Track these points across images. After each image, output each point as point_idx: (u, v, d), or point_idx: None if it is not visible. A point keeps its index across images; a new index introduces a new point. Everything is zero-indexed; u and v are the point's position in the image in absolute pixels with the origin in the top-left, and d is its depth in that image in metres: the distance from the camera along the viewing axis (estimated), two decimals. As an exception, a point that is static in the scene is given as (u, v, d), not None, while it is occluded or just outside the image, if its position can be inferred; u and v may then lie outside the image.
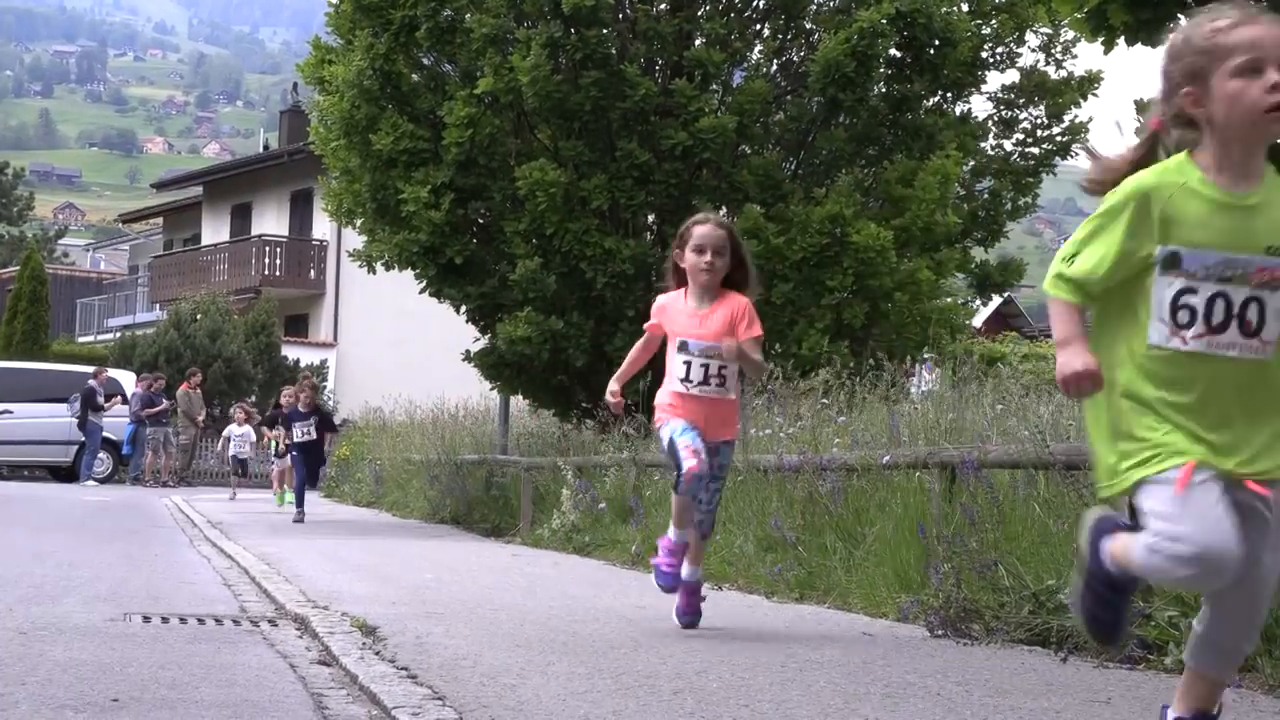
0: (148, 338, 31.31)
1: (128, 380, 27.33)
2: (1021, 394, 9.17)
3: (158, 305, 39.74)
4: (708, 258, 5.76)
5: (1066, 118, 16.42)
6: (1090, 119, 16.46)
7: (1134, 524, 3.08)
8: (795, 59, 14.78)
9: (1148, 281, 3.03)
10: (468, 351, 15.19)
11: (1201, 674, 3.13)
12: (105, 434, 26.08)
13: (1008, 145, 16.65)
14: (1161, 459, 2.96)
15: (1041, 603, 5.47)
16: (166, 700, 3.94)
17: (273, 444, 19.16)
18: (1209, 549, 2.86)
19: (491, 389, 16.12)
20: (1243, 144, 2.99)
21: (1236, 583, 2.94)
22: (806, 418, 9.48)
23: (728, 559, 8.49)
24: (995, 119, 16.50)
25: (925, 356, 14.59)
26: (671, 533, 6.02)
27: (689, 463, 5.64)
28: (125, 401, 26.33)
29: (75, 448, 26.23)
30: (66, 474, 26.55)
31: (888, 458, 7.54)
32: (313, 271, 37.50)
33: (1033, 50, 16.33)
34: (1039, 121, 16.52)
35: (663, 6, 14.28)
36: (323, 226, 35.68)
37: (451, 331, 18.86)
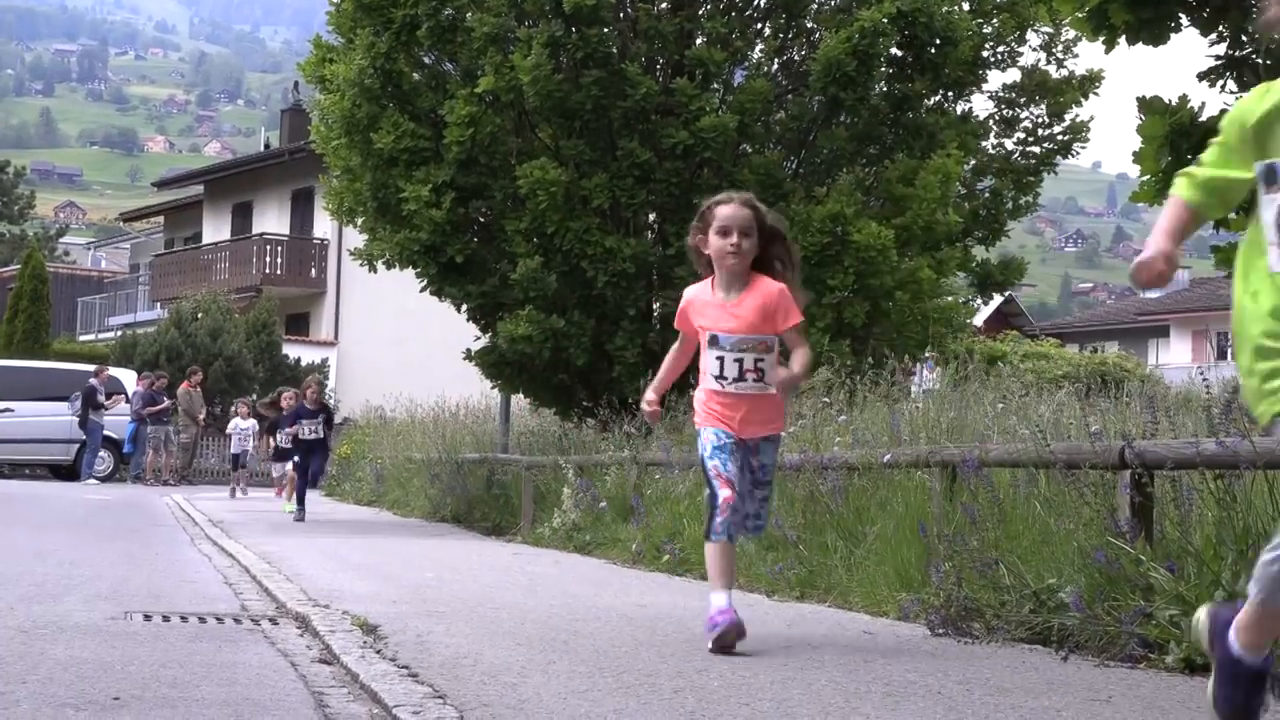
0: (149, 336, 31.32)
1: (129, 379, 27.35)
2: (1022, 393, 9.18)
3: (159, 304, 39.76)
4: (733, 240, 5.23)
5: (1067, 117, 16.44)
6: (1091, 118, 16.47)
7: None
8: (796, 58, 14.78)
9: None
10: (468, 350, 15.19)
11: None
12: (106, 432, 26.09)
13: (1009, 144, 16.67)
14: None
15: (1042, 601, 5.47)
16: (167, 699, 3.94)
17: (274, 448, 19.00)
18: None
19: (492, 388, 16.12)
20: None
21: None
22: (807, 416, 9.49)
23: (728, 558, 8.48)
24: (996, 118, 16.51)
25: (926, 356, 14.59)
26: (715, 604, 5.09)
27: (723, 493, 5.14)
28: (127, 400, 26.35)
29: (76, 446, 26.24)
30: (67, 472, 26.57)
31: (889, 456, 7.54)
32: (314, 270, 37.51)
33: (1034, 49, 16.35)
34: (1040, 120, 16.54)
35: (664, 5, 14.28)
36: (324, 225, 35.69)
37: (452, 330, 18.86)
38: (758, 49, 14.73)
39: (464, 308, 14.88)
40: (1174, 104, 5.24)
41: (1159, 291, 3.11)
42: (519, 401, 17.17)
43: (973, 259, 16.49)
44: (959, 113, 15.35)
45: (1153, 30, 5.29)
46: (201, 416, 27.49)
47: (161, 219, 49.42)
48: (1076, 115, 16.42)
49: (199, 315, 31.23)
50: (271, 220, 39.40)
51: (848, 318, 13.45)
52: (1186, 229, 3.04)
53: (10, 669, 4.33)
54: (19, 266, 37.56)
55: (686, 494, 10.11)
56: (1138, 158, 5.34)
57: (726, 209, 5.27)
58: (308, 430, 15.39)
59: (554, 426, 15.70)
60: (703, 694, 4.14)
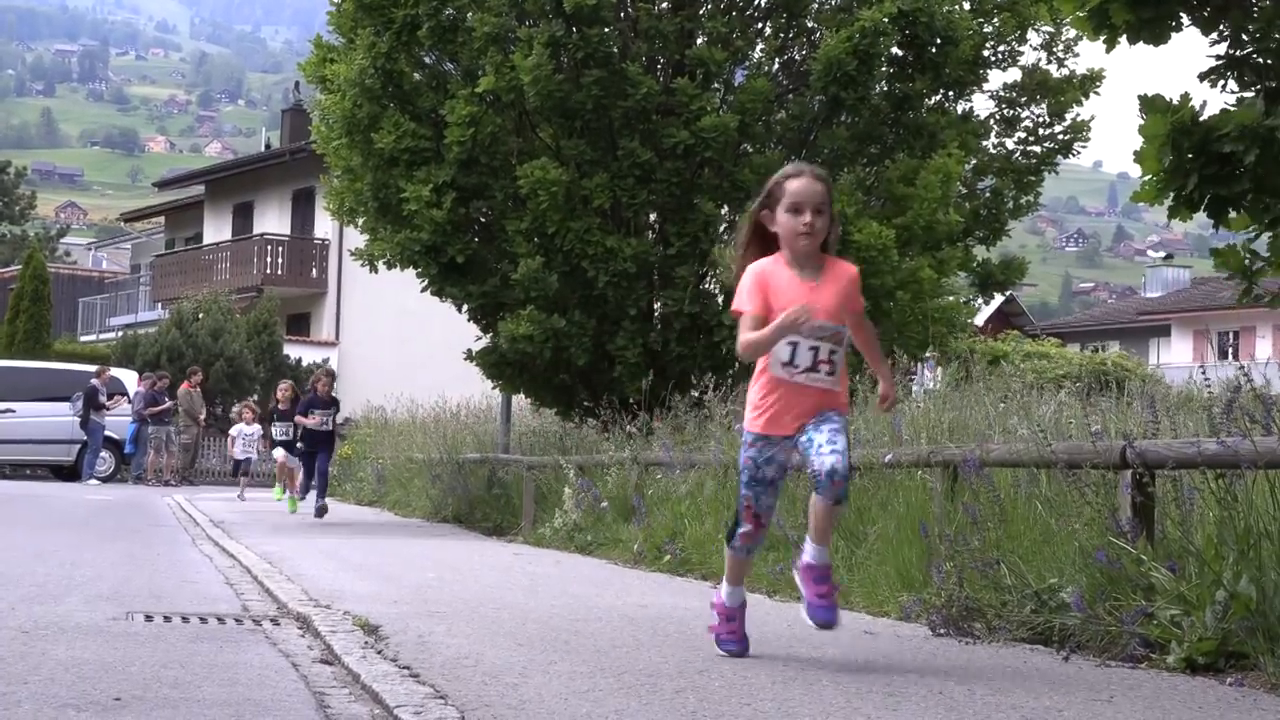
0: (150, 337, 31.34)
1: (130, 379, 27.36)
2: (1024, 393, 9.18)
3: (159, 304, 39.78)
4: (806, 218, 4.76)
5: (1068, 116, 16.41)
6: (1092, 117, 16.46)
7: None
8: (797, 58, 14.77)
9: None
10: (469, 350, 15.19)
11: None
12: (107, 433, 26.09)
13: (1009, 144, 16.64)
14: None
15: (1044, 601, 5.47)
16: (169, 699, 3.94)
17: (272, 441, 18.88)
18: None
19: (493, 388, 16.13)
20: None
21: None
22: (808, 416, 9.47)
23: (730, 558, 8.48)
24: (997, 117, 16.49)
25: (927, 356, 14.58)
26: (724, 592, 5.11)
27: (744, 526, 4.99)
28: (128, 400, 26.36)
29: (77, 447, 26.25)
30: (69, 473, 26.58)
31: (890, 456, 7.54)
32: (314, 270, 37.51)
33: (1034, 49, 16.32)
34: (1041, 120, 16.51)
35: (664, 5, 14.28)
36: (324, 225, 35.69)
37: (453, 330, 18.86)
38: (758, 48, 14.72)
39: (465, 308, 14.88)
40: (1175, 103, 5.23)
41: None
42: (520, 401, 17.17)
43: (973, 259, 16.48)
44: (960, 112, 15.34)
45: (1153, 29, 5.28)
46: (202, 417, 27.51)
47: (162, 219, 49.43)
48: (1077, 115, 16.41)
49: (200, 315, 31.24)
50: (272, 220, 39.41)
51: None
52: None
53: (12, 669, 4.33)
54: (20, 267, 37.59)
55: (688, 494, 10.11)
56: (1139, 157, 5.33)
57: (798, 183, 4.80)
58: (320, 421, 15.22)
59: (555, 426, 15.71)
60: (704, 694, 4.14)
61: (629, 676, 4.46)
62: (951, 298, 15.53)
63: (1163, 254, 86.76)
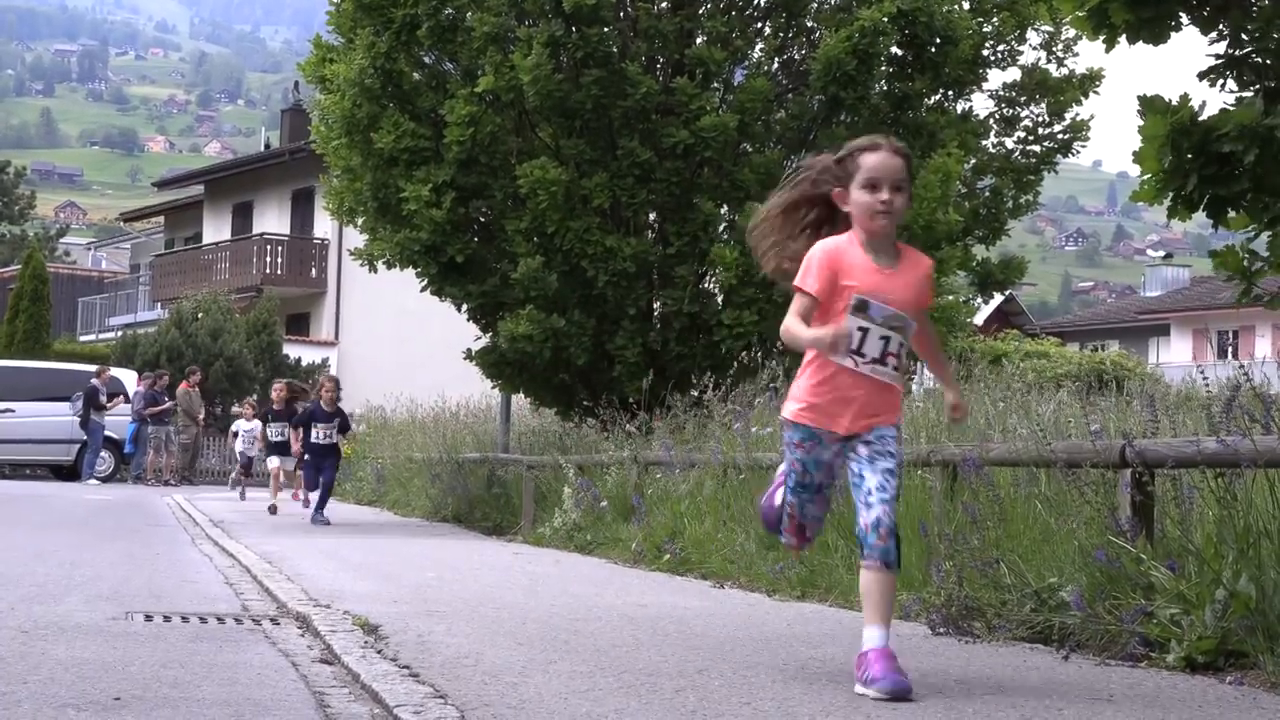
0: (149, 336, 31.34)
1: (129, 379, 27.36)
2: (1023, 392, 9.18)
3: (159, 304, 39.79)
4: (884, 195, 4.31)
5: (1068, 116, 16.40)
6: (1092, 116, 16.46)
7: None
8: (796, 57, 14.77)
9: None
10: (469, 350, 15.19)
11: None
12: (107, 433, 26.09)
13: (1009, 143, 16.63)
14: None
15: (1043, 600, 5.47)
16: (169, 699, 3.95)
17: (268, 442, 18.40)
18: None
19: (493, 387, 16.12)
20: None
21: None
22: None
23: (729, 557, 8.50)
24: (996, 117, 16.48)
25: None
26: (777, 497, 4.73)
27: (787, 539, 4.69)
28: (127, 400, 26.36)
29: (77, 447, 26.25)
30: (68, 473, 26.58)
31: (889, 456, 7.53)
32: (314, 270, 37.52)
33: (1034, 48, 16.30)
34: (1040, 119, 16.51)
35: (664, 5, 14.28)
36: (324, 225, 35.70)
37: (453, 330, 18.86)
38: (758, 48, 14.72)
39: (464, 307, 14.88)
40: (1175, 104, 5.24)
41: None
42: (519, 401, 17.16)
43: (973, 258, 16.47)
44: (959, 112, 15.34)
45: (1153, 29, 5.29)
46: (201, 416, 27.51)
47: (162, 219, 49.43)
48: (1077, 114, 16.40)
49: (199, 315, 31.24)
50: (272, 220, 39.41)
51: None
52: None
53: (12, 669, 4.34)
54: (19, 267, 37.58)
55: (687, 494, 10.11)
56: (1138, 158, 5.33)
57: (875, 156, 4.35)
58: (322, 434, 14.77)
59: (554, 426, 15.71)
60: (704, 693, 4.14)
61: (629, 675, 4.46)
62: (951, 297, 15.53)
63: (1162, 253, 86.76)
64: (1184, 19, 5.33)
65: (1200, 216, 5.53)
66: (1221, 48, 5.31)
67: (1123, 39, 5.39)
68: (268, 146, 48.91)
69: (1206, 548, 5.09)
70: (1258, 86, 5.28)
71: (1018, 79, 16.43)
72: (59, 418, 26.06)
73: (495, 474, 15.44)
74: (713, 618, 6.18)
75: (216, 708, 3.83)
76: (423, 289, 15.03)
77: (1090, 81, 16.29)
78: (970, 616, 5.68)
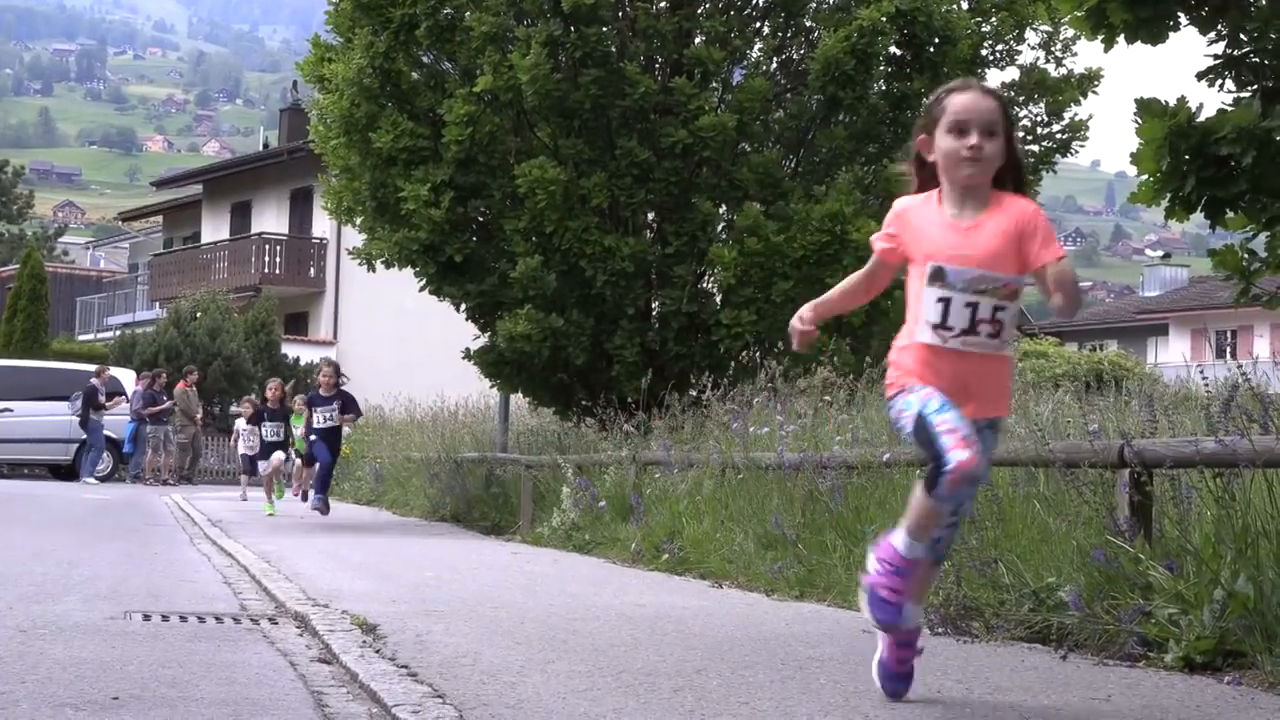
0: (148, 336, 31.34)
1: (128, 378, 27.35)
2: (1021, 391, 9.18)
3: (157, 303, 39.78)
4: (972, 140, 3.82)
5: (1066, 115, 16.39)
6: (1090, 116, 16.46)
7: None
8: (795, 57, 14.78)
9: None
10: (467, 349, 15.19)
11: None
12: (105, 432, 26.09)
13: (1008, 143, 16.62)
14: None
15: (1041, 600, 5.47)
16: (167, 698, 3.94)
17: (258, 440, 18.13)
18: None
19: (491, 387, 16.12)
20: None
21: None
22: (806, 415, 9.49)
23: (728, 557, 8.49)
24: (995, 116, 16.47)
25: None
26: (900, 541, 4.00)
27: (958, 455, 3.66)
28: (126, 400, 26.35)
29: (75, 446, 26.24)
30: (67, 472, 26.57)
31: (888, 455, 7.54)
32: (312, 270, 37.51)
33: (1032, 48, 16.29)
34: (1039, 119, 16.49)
35: (662, 4, 14.28)
36: (322, 225, 35.70)
37: (451, 329, 18.85)
38: (756, 48, 14.73)
39: (463, 307, 14.88)
40: (1172, 106, 5.24)
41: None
42: (518, 401, 17.16)
43: (972, 258, 16.46)
44: (958, 112, 15.33)
45: (1151, 29, 5.29)
46: (199, 416, 27.50)
47: (160, 219, 49.41)
48: (1075, 114, 16.38)
49: (198, 315, 31.23)
50: (270, 220, 39.40)
51: (847, 317, 13.45)
52: None
53: (9, 669, 4.33)
54: (18, 266, 37.55)
55: (686, 493, 10.11)
56: (1136, 160, 5.34)
57: (964, 98, 3.87)
58: (322, 418, 14.97)
59: (553, 426, 15.70)
60: (702, 693, 4.15)
61: (627, 675, 4.46)
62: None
63: (1161, 253, 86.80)
64: (1182, 19, 5.34)
65: (1199, 216, 5.54)
66: (1220, 48, 5.31)
67: (1121, 39, 5.40)
68: (266, 146, 48.91)
69: (1205, 548, 5.09)
70: (1255, 87, 5.28)
71: (1016, 79, 16.42)
72: (57, 417, 26.05)
73: (494, 473, 15.44)
74: (711, 617, 6.18)
75: (214, 707, 3.83)
76: (421, 288, 15.02)
77: (1089, 81, 16.29)
78: (969, 616, 5.69)
